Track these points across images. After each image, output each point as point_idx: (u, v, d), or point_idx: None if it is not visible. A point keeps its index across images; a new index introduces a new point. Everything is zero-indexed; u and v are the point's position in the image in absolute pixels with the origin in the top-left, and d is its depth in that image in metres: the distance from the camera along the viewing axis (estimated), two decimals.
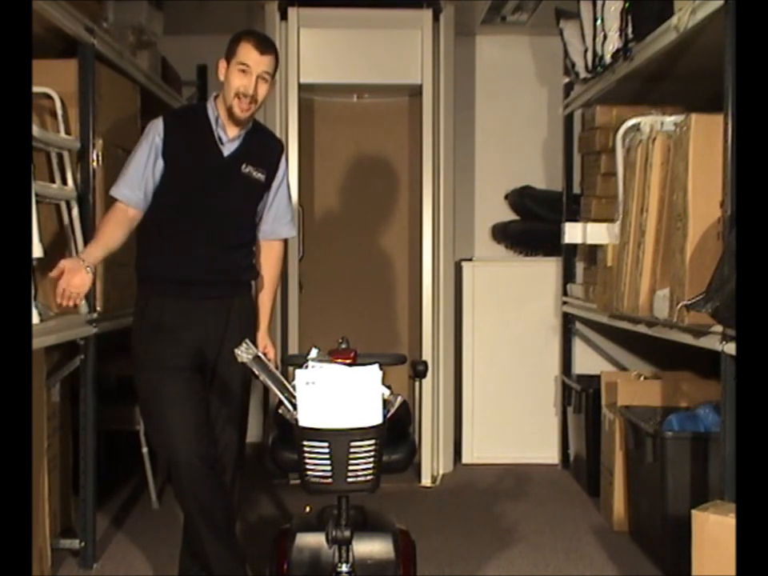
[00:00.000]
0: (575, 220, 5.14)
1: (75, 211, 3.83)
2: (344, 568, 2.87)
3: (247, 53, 3.24)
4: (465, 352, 5.78)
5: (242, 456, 3.50)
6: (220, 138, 3.35)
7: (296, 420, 2.65)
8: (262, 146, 3.45)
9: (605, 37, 4.39)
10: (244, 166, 3.37)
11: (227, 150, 3.36)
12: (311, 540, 3.13)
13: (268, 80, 3.29)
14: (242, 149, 3.38)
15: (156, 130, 3.32)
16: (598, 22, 4.44)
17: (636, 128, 4.14)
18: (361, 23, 5.39)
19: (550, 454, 5.72)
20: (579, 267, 5.48)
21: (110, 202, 3.37)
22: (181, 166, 3.33)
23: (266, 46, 3.27)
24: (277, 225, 3.53)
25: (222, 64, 3.31)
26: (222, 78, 3.31)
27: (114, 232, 3.26)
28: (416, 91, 5.47)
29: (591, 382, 5.06)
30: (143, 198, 3.31)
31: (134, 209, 3.31)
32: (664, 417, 4.10)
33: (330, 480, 2.67)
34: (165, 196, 3.33)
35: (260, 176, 3.41)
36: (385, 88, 5.68)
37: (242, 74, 3.24)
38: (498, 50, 6.18)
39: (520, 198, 6.11)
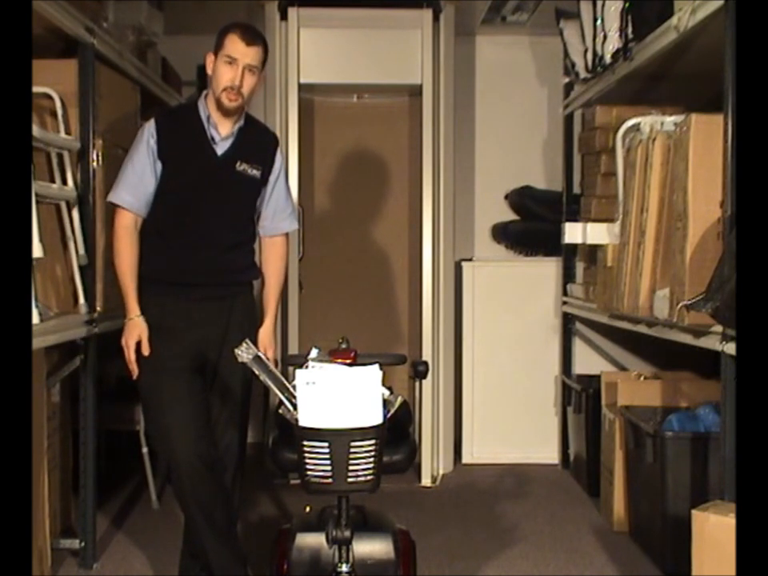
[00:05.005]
0: (575, 220, 5.14)
1: (75, 211, 3.83)
2: (344, 568, 2.87)
3: (233, 45, 3.25)
4: (465, 352, 5.78)
5: (243, 456, 3.50)
6: (213, 138, 3.34)
7: (296, 420, 2.65)
8: (256, 141, 3.45)
9: (605, 37, 4.39)
10: (238, 164, 3.36)
11: (221, 149, 3.36)
12: (311, 540, 3.14)
13: (255, 72, 3.29)
14: (236, 146, 3.37)
15: (149, 132, 3.32)
16: (598, 21, 4.44)
17: (636, 128, 4.13)
18: (361, 23, 5.39)
19: (550, 454, 5.72)
20: (579, 267, 5.47)
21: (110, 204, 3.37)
22: (176, 167, 3.33)
23: (252, 37, 3.27)
24: (277, 220, 3.52)
25: (210, 57, 3.32)
26: (209, 71, 3.33)
27: (134, 255, 3.32)
28: (416, 91, 5.46)
29: (591, 381, 5.05)
30: (146, 204, 3.32)
31: (137, 214, 3.32)
32: (664, 417, 4.10)
33: (330, 480, 2.66)
34: (161, 197, 3.33)
35: (255, 172, 3.40)
36: (385, 88, 5.68)
37: (229, 66, 3.25)
38: (498, 49, 6.17)
39: (520, 198, 6.11)
